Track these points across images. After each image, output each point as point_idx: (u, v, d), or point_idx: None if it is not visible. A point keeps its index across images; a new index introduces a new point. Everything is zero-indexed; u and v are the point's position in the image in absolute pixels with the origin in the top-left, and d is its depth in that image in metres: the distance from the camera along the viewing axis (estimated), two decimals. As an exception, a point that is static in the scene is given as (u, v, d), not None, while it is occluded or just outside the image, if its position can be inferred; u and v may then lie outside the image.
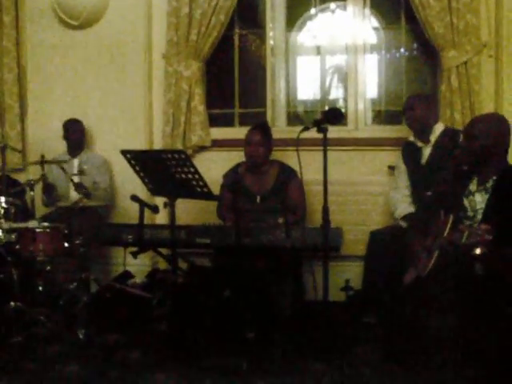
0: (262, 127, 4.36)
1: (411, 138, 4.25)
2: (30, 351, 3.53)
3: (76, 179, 4.47)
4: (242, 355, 3.24)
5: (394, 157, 4.55)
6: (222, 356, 3.29)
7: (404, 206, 4.16)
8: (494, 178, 3.21)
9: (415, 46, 5.09)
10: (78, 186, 4.22)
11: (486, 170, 3.26)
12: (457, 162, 3.51)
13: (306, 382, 3.08)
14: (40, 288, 3.94)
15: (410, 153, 4.24)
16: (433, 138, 4.11)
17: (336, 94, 5.46)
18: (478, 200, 3.24)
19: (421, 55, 5.12)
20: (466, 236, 2.77)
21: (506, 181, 3.17)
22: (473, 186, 3.30)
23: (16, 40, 5.22)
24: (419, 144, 4.17)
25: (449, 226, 3.11)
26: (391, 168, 4.64)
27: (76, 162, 4.83)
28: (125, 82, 5.06)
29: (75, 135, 4.89)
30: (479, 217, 3.21)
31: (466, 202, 3.29)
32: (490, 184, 3.22)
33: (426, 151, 4.13)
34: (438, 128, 4.13)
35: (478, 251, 2.70)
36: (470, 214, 3.26)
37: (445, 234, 3.11)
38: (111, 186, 4.99)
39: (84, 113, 5.02)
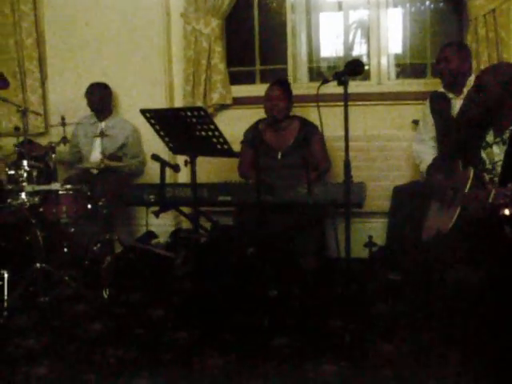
0: (281, 82, 4.32)
1: (441, 89, 4.10)
2: (56, 311, 3.58)
3: (99, 141, 4.51)
4: (265, 313, 3.23)
5: (418, 111, 4.44)
6: (245, 314, 3.29)
7: (430, 158, 4.02)
8: (511, 127, 3.11)
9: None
10: None
11: (501, 120, 3.16)
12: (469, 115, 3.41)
13: (327, 339, 3.07)
14: (65, 249, 4.00)
15: (439, 104, 4.07)
16: (466, 90, 3.93)
17: (359, 49, 5.33)
18: (496, 152, 3.15)
19: (446, 6, 4.96)
20: (493, 196, 2.70)
21: None
22: (490, 138, 3.21)
23: (34, 4, 5.19)
24: (450, 95, 4.02)
25: (470, 180, 3.03)
26: (415, 122, 4.53)
27: (102, 125, 4.83)
28: (144, 42, 4.99)
29: (95, 99, 4.86)
30: (498, 169, 3.12)
31: (483, 155, 3.21)
32: (506, 135, 3.12)
33: (457, 103, 3.96)
34: (472, 80, 3.95)
35: (506, 212, 2.63)
36: (489, 166, 3.17)
37: (466, 189, 3.04)
38: (144, 156, 4.97)
39: (104, 74, 4.99)
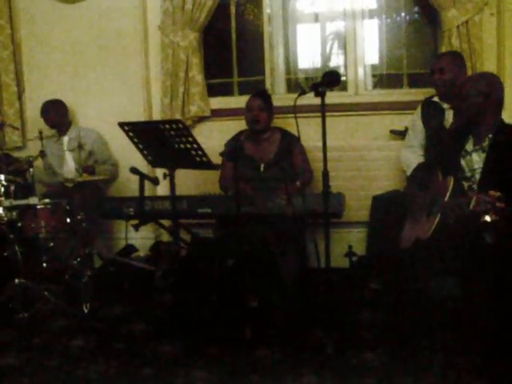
0: (261, 94, 4.33)
1: (435, 98, 4.01)
2: (35, 327, 3.54)
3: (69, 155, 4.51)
4: (246, 324, 3.22)
5: (395, 121, 4.50)
6: (226, 325, 3.28)
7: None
8: (490, 136, 3.18)
9: (415, 8, 5.00)
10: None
11: (480, 129, 3.22)
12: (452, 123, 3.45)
13: (309, 349, 3.07)
14: (44, 264, 3.96)
15: (432, 113, 3.98)
16: None
17: (337, 60, 5.38)
18: (476, 159, 3.21)
19: (421, 18, 5.03)
20: (474, 203, 2.72)
21: (502, 138, 3.14)
22: (469, 146, 3.26)
23: (9, 17, 5.17)
24: (445, 106, 3.92)
25: (450, 189, 3.07)
26: (393, 132, 4.57)
27: (66, 139, 4.82)
28: (121, 54, 5.00)
29: (51, 117, 4.86)
30: (477, 176, 3.18)
31: (463, 163, 3.26)
32: (486, 143, 3.18)
33: (451, 114, 3.87)
34: None
35: (487, 218, 2.63)
36: (468, 174, 3.23)
37: (446, 197, 3.07)
38: (115, 159, 4.99)
39: (81, 87, 4.99)
